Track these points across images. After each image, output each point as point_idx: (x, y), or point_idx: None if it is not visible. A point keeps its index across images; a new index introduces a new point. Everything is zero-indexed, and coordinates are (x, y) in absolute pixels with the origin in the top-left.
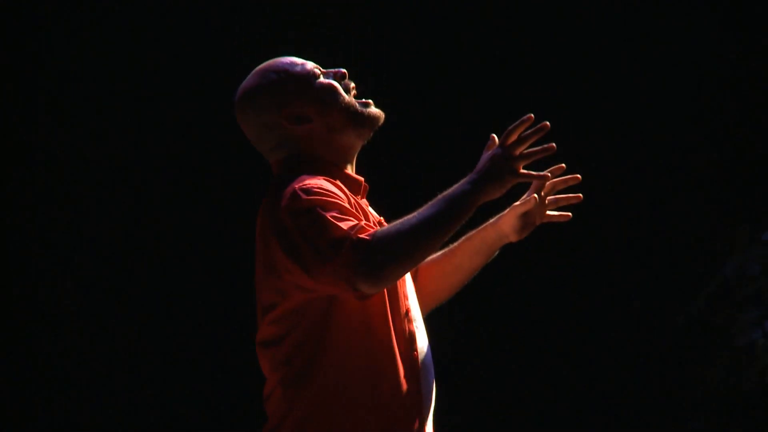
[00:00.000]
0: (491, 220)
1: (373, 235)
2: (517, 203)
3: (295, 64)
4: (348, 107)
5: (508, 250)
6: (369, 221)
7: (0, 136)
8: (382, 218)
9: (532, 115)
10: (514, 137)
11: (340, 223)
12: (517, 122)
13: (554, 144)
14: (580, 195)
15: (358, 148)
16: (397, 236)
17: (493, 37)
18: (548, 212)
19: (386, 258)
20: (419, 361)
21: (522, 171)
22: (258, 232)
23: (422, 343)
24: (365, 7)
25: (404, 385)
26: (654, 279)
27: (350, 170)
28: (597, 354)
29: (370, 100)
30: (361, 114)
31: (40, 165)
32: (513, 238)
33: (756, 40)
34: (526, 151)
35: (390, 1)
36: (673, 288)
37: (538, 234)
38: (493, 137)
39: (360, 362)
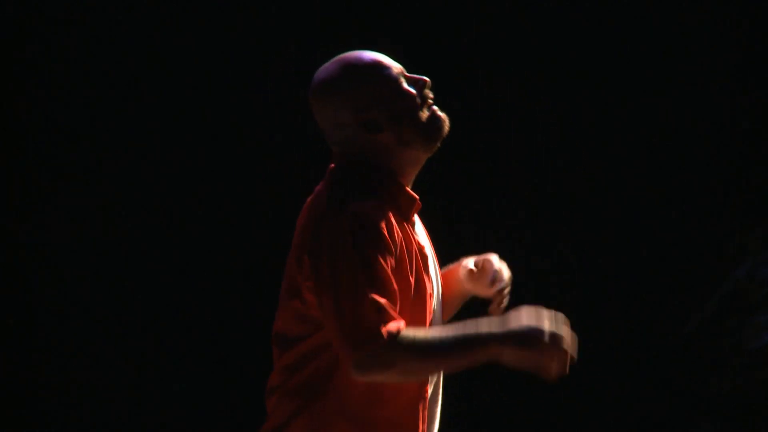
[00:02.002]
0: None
1: (392, 338)
2: (468, 281)
3: (381, 67)
4: (420, 123)
5: (513, 253)
6: (411, 249)
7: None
8: (424, 245)
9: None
10: (564, 357)
11: (371, 304)
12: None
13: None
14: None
15: (423, 162)
16: (406, 356)
17: (493, 37)
18: (492, 306)
19: (385, 369)
20: (428, 398)
21: (548, 366)
22: (297, 233)
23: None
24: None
25: (418, 421)
26: (665, 282)
27: (409, 185)
28: (607, 358)
29: (439, 111)
30: (431, 131)
31: (40, 165)
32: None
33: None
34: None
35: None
36: (684, 291)
37: (546, 234)
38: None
39: (369, 390)
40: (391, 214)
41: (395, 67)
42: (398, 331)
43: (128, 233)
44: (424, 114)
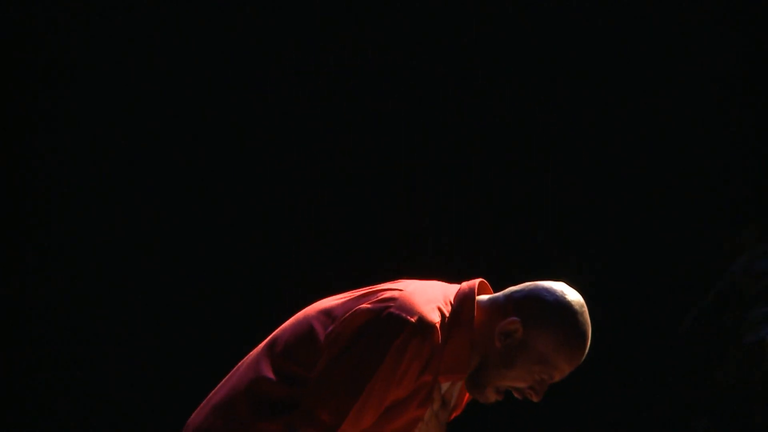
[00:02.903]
0: None
1: None
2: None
3: (572, 356)
4: (494, 383)
5: (514, 253)
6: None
7: (0, 136)
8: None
9: None
10: None
11: (339, 406)
12: None
13: None
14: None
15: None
16: None
17: (493, 36)
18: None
19: None
20: None
21: None
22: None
23: None
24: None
25: None
26: (662, 278)
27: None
28: (604, 354)
29: (499, 399)
30: (482, 392)
31: (40, 165)
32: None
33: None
34: None
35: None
36: (680, 287)
37: (544, 230)
38: None
39: None
40: (431, 352)
41: (565, 371)
42: None
43: (128, 233)
44: (501, 388)
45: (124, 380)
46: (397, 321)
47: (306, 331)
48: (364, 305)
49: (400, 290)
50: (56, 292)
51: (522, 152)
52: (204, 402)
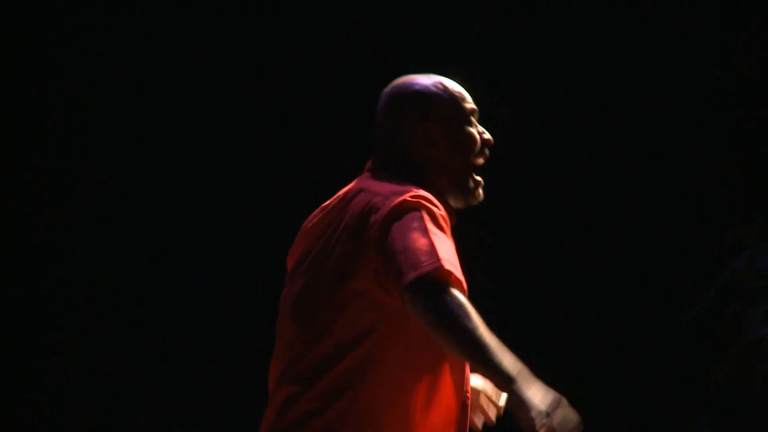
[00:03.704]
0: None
1: (458, 283)
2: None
3: (464, 99)
4: (468, 167)
5: (514, 250)
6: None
7: (1, 136)
8: None
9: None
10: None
11: (447, 247)
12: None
13: None
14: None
15: (443, 196)
16: (458, 309)
17: (493, 36)
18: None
19: (435, 303)
20: (469, 404)
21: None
22: (336, 219)
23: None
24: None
25: (454, 419)
26: (664, 274)
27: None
28: (605, 350)
29: (482, 181)
30: (468, 188)
31: (39, 165)
32: None
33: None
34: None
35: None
36: (683, 282)
37: (545, 229)
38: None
39: (414, 386)
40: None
41: (474, 107)
42: (464, 284)
43: (128, 234)
44: (471, 168)
45: (124, 380)
46: (410, 196)
47: (323, 284)
48: (377, 218)
49: (370, 191)
50: (56, 291)
51: (523, 152)
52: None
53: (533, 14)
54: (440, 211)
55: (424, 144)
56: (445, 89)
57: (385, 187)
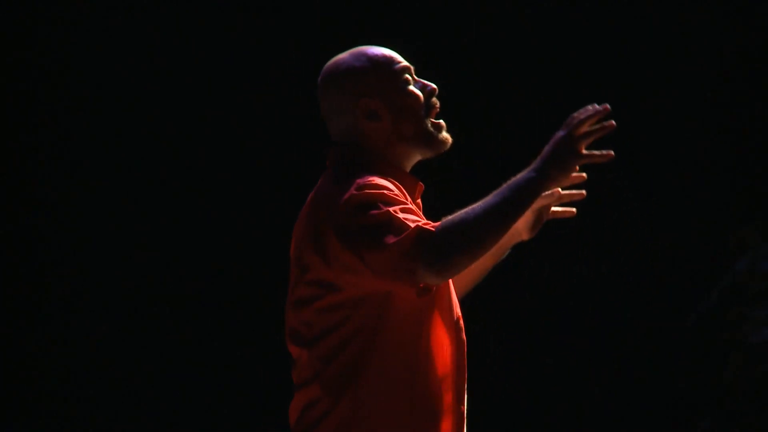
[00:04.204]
0: None
1: (437, 227)
2: None
3: (391, 61)
4: (420, 124)
5: (518, 252)
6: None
7: (2, 135)
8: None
9: (608, 106)
10: (584, 128)
11: (402, 216)
12: (591, 112)
13: (612, 152)
14: (584, 192)
15: (414, 162)
16: (463, 225)
17: (493, 37)
18: (553, 209)
19: (453, 247)
20: (466, 373)
21: (584, 152)
22: (304, 225)
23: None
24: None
25: (452, 396)
26: (666, 276)
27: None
28: (608, 352)
29: (444, 124)
30: (431, 137)
31: (40, 165)
32: (525, 236)
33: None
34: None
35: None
36: (685, 285)
37: (549, 231)
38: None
39: (409, 370)
40: (399, 185)
41: (406, 65)
42: (439, 221)
43: (127, 234)
44: (427, 121)
45: (123, 380)
46: (355, 188)
47: (302, 300)
48: (329, 214)
49: (323, 190)
50: (55, 292)
51: (525, 152)
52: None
53: (533, 14)
54: (387, 189)
55: (368, 121)
56: (370, 59)
57: (333, 190)
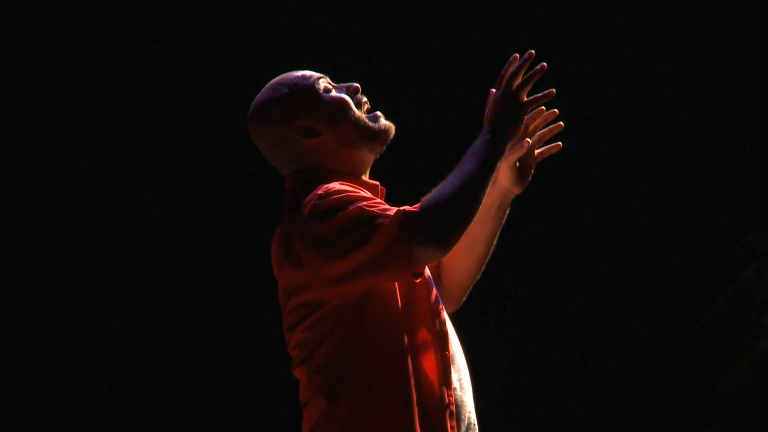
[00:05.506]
0: None
1: (419, 207)
2: (506, 154)
3: (305, 78)
4: (358, 121)
5: (521, 249)
6: None
7: (2, 134)
8: None
9: (533, 51)
10: (519, 79)
11: (375, 209)
12: (519, 62)
13: (553, 89)
14: (561, 123)
15: (371, 162)
16: (444, 197)
17: (493, 36)
18: (537, 151)
19: (443, 220)
20: (451, 360)
21: (527, 99)
22: (280, 255)
23: (454, 343)
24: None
25: (438, 385)
26: (673, 283)
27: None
28: (615, 359)
29: (380, 113)
30: (371, 128)
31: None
32: (517, 190)
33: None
34: (529, 98)
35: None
36: (692, 292)
37: (555, 236)
38: (493, 91)
39: (395, 364)
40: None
41: (320, 75)
42: (418, 202)
43: (127, 234)
44: (359, 114)
45: (124, 381)
46: (316, 199)
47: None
48: (294, 232)
49: (289, 213)
50: (56, 291)
51: None
52: None
53: (533, 14)
54: (349, 191)
55: (309, 140)
56: (285, 84)
57: (297, 211)
